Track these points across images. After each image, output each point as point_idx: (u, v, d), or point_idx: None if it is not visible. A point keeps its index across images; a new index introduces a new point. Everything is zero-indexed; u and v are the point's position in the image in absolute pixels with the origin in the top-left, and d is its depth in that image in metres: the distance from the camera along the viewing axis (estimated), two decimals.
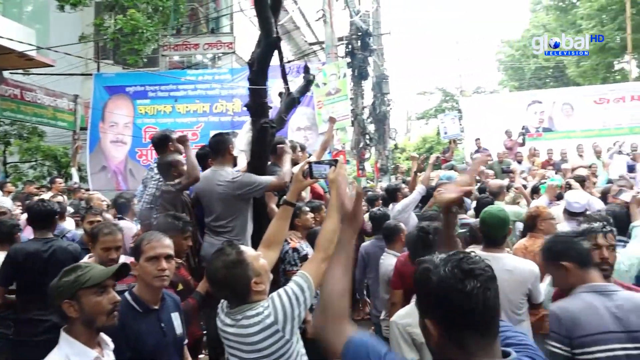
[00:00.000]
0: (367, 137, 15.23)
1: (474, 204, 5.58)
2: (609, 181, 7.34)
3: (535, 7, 34.72)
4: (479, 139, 13.78)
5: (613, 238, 2.67)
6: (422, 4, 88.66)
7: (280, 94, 4.05)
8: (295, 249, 3.99)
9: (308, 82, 4.06)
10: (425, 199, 5.52)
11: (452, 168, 12.20)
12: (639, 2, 20.83)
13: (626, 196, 4.38)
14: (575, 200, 4.38)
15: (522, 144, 13.31)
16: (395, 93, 41.66)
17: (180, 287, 3.25)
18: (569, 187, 5.57)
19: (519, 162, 11.73)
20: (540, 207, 4.35)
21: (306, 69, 4.12)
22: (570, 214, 4.31)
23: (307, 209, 4.28)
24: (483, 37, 77.01)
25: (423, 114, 31.78)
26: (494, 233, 3.25)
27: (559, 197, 5.41)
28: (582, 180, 5.99)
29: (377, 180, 15.74)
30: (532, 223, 4.05)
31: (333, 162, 2.26)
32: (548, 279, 3.19)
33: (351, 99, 14.06)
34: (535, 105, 15.08)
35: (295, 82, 4.98)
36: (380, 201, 6.57)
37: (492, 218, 3.26)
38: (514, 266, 3.17)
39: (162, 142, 4.30)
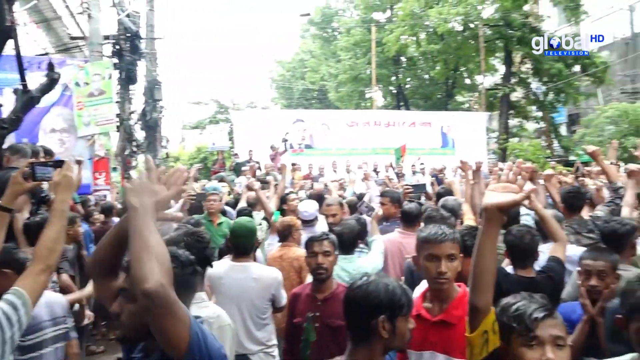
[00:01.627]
0: (135, 144, 14.46)
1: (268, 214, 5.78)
2: (353, 194, 8.44)
3: (305, 34, 37.99)
4: (252, 150, 14.33)
5: (329, 245, 3.04)
6: (199, 14, 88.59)
7: (15, 91, 3.56)
8: None
9: (52, 81, 3.66)
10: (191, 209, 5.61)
11: (221, 179, 12.47)
12: (384, 43, 24.56)
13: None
14: (305, 209, 4.91)
15: (285, 151, 14.35)
16: (169, 100, 40.67)
17: None
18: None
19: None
20: (294, 218, 4.74)
21: (50, 66, 3.71)
22: (303, 222, 4.80)
23: None
24: (258, 55, 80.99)
25: (197, 123, 31.71)
26: (243, 243, 3.43)
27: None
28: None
29: None
30: (288, 233, 4.37)
31: (59, 164, 2.13)
32: None
33: (117, 102, 13.16)
34: (298, 123, 16.49)
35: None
36: None
37: (241, 229, 3.45)
38: (259, 274, 3.39)
39: None
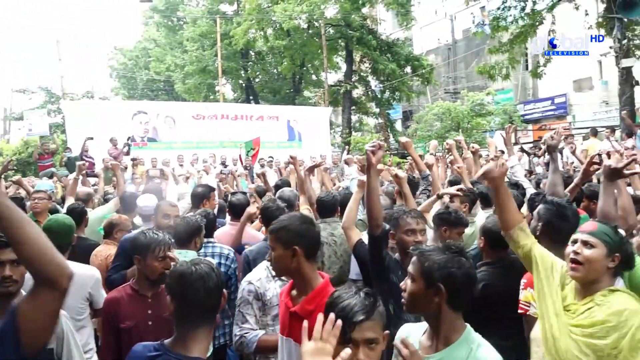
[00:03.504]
0: None
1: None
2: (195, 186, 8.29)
3: (148, 21, 35.92)
4: (91, 138, 13.11)
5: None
6: None
7: None
8: None
9: None
10: None
11: (51, 176, 11.27)
12: (231, 36, 24.34)
13: None
14: (145, 204, 4.72)
15: (127, 153, 13.54)
16: None
17: None
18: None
19: (125, 168, 11.89)
20: (122, 217, 4.46)
21: None
22: (143, 218, 4.60)
23: None
24: (93, 41, 74.22)
25: (23, 114, 28.08)
26: (57, 240, 3.15)
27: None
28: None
29: None
30: (109, 231, 4.14)
31: None
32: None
33: None
34: (140, 115, 15.61)
35: None
36: None
37: (57, 225, 3.21)
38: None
39: None
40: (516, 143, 12.87)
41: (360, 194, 3.41)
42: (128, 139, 14.07)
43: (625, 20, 12.28)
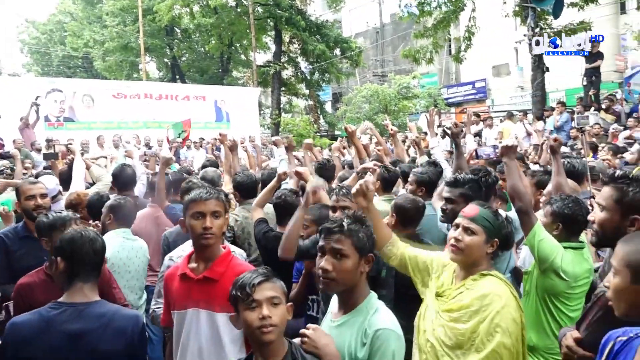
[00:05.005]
0: None
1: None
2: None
3: None
4: None
5: None
6: None
7: None
8: None
9: None
10: None
11: None
12: (154, 11, 23.27)
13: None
14: (52, 186, 4.46)
15: (37, 119, 12.76)
16: None
17: None
18: None
19: (38, 150, 11.20)
20: (81, 194, 4.24)
21: None
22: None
23: None
24: (1, 12, 68.35)
25: None
26: None
27: None
28: None
29: None
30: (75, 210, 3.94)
31: None
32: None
33: None
34: (55, 93, 14.58)
35: None
36: None
37: None
38: None
39: None
40: (439, 125, 13.42)
41: (277, 183, 3.64)
42: (36, 98, 12.93)
43: (538, 9, 12.99)
